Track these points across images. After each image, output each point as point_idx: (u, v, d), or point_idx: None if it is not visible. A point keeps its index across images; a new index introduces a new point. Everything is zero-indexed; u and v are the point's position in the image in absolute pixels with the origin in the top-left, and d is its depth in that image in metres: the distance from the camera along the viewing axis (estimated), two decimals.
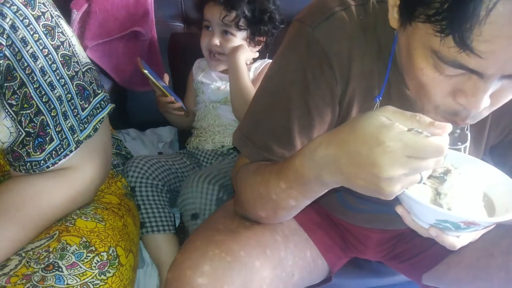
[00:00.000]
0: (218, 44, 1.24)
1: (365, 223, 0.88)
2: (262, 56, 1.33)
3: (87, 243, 0.72)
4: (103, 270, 0.71)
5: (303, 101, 0.64)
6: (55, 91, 0.71)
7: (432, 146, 0.45)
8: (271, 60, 1.28)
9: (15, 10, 0.66)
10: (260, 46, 1.31)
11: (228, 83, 1.28)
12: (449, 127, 0.46)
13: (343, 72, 0.63)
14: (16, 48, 0.67)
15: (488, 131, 0.73)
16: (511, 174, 0.79)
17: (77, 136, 0.74)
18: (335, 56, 0.62)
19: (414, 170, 0.46)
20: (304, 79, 0.63)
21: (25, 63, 0.68)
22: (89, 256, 0.70)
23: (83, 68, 0.76)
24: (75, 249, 0.70)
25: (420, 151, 0.45)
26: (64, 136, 0.73)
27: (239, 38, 1.25)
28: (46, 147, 0.72)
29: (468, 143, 0.68)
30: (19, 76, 0.68)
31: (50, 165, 0.73)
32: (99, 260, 0.71)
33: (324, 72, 0.63)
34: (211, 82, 1.31)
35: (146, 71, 1.19)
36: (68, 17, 1.30)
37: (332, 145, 0.51)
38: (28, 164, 0.72)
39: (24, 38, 0.67)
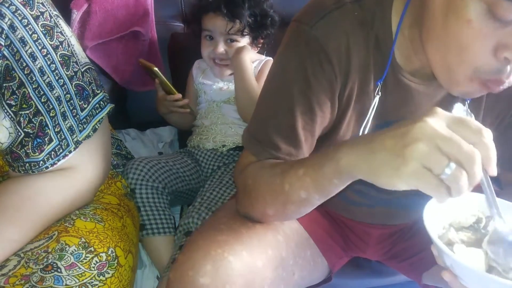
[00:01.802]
0: (224, 52, 1.25)
1: (366, 218, 0.88)
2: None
3: (86, 244, 0.71)
4: (102, 271, 0.70)
5: (305, 98, 0.66)
6: (54, 91, 0.71)
7: (480, 128, 0.45)
8: (268, 58, 1.30)
9: (14, 10, 0.66)
10: (259, 48, 1.32)
11: (230, 84, 1.29)
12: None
13: (342, 67, 0.65)
14: (14, 48, 0.67)
15: (483, 117, 0.74)
16: (506, 164, 0.79)
17: (76, 136, 0.74)
18: (333, 52, 0.64)
19: (447, 142, 0.45)
20: (305, 76, 0.65)
21: (24, 63, 0.68)
22: (88, 256, 0.70)
23: (82, 68, 0.76)
24: (74, 249, 0.70)
25: (465, 124, 0.46)
26: (63, 137, 0.73)
27: (242, 43, 1.26)
28: (45, 147, 0.72)
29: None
30: (18, 76, 0.68)
31: (49, 166, 0.73)
32: (98, 261, 0.71)
33: (324, 68, 0.64)
34: (212, 83, 1.31)
35: (156, 69, 1.20)
36: (68, 17, 1.30)
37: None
38: (27, 164, 0.72)
39: (23, 38, 0.67)
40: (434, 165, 0.45)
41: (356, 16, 0.64)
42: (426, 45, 0.61)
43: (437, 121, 0.46)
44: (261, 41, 1.30)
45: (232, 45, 1.24)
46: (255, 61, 1.30)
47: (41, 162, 0.72)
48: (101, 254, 0.72)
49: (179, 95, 1.25)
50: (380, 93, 0.68)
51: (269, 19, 1.26)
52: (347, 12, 0.64)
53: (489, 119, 0.74)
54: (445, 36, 0.56)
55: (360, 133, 0.71)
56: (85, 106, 0.76)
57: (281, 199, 0.64)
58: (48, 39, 0.70)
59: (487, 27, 0.51)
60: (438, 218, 0.55)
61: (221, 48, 1.24)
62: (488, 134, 0.46)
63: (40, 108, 0.70)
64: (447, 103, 0.72)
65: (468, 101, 0.71)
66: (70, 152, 0.74)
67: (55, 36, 0.71)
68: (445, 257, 0.50)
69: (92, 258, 0.70)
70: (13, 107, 0.70)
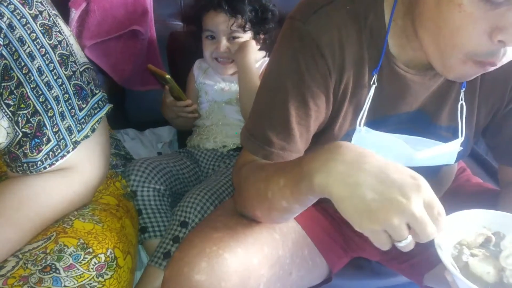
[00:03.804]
0: (227, 50, 1.24)
1: None
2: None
3: (85, 245, 0.71)
4: (101, 272, 0.70)
5: (299, 92, 0.67)
6: (52, 91, 0.71)
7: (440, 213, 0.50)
8: None
9: (12, 9, 0.65)
10: (261, 43, 1.32)
11: (232, 84, 1.28)
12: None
13: (335, 61, 0.66)
14: (13, 48, 0.66)
15: (478, 110, 0.75)
16: (503, 156, 0.80)
17: (75, 136, 0.74)
18: (326, 46, 0.65)
19: (417, 222, 0.49)
20: (299, 70, 0.66)
21: (22, 62, 0.67)
22: (86, 257, 0.70)
23: (80, 68, 0.76)
24: (73, 250, 0.69)
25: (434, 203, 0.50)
26: (61, 137, 0.72)
27: (245, 38, 1.25)
28: (43, 147, 0.71)
29: (464, 115, 0.72)
30: (16, 75, 0.68)
31: (47, 166, 0.73)
32: (96, 262, 0.70)
33: (317, 62, 0.65)
34: (214, 83, 1.31)
35: (169, 76, 1.19)
36: (66, 16, 1.29)
37: (356, 149, 0.53)
38: (25, 165, 0.72)
39: (21, 37, 0.66)
40: (396, 237, 0.50)
41: (348, 10, 0.65)
42: (420, 31, 0.61)
43: (418, 201, 0.49)
44: (263, 36, 1.30)
45: (235, 42, 1.24)
46: (259, 61, 1.30)
47: (39, 163, 0.72)
48: (99, 255, 0.71)
49: (189, 101, 1.25)
50: (376, 83, 0.69)
51: (270, 13, 1.27)
52: (339, 6, 0.65)
53: (484, 111, 0.76)
54: (438, 20, 0.57)
55: (357, 126, 0.72)
56: (84, 106, 0.75)
57: (266, 205, 0.65)
58: (46, 39, 0.70)
59: (478, 10, 0.52)
60: (447, 241, 0.56)
61: (224, 46, 1.24)
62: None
63: (38, 108, 0.70)
64: (443, 92, 0.73)
65: (464, 88, 0.72)
66: (68, 152, 0.74)
67: (54, 36, 0.71)
68: (460, 284, 0.50)
69: (91, 259, 0.70)
70: (11, 107, 0.69)
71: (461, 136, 0.73)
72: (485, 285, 0.51)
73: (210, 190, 1.03)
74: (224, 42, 1.24)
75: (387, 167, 0.50)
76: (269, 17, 1.27)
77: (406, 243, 0.50)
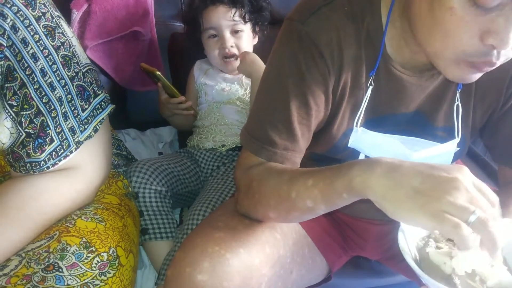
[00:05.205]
0: (233, 45, 1.24)
1: (364, 213, 0.89)
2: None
3: (87, 244, 0.71)
4: (104, 271, 0.71)
5: (300, 92, 0.67)
6: (55, 92, 0.71)
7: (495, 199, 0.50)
8: None
9: (16, 10, 0.66)
10: (257, 37, 1.33)
11: (232, 85, 1.29)
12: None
13: (334, 61, 0.67)
14: (16, 49, 0.67)
15: (474, 110, 0.75)
16: (501, 157, 0.81)
17: (77, 137, 0.74)
18: (325, 47, 0.65)
19: (474, 199, 0.49)
20: (299, 71, 0.66)
21: (26, 63, 0.68)
22: (89, 256, 0.70)
23: (83, 69, 0.76)
24: (75, 249, 0.70)
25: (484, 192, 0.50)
26: (64, 137, 0.73)
27: (246, 31, 1.26)
28: (46, 148, 0.72)
29: (460, 116, 0.73)
30: (20, 76, 0.68)
31: (50, 166, 0.73)
32: (99, 261, 0.71)
33: (317, 62, 0.66)
34: (215, 84, 1.31)
35: (159, 73, 1.19)
36: (68, 17, 1.30)
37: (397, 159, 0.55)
38: (28, 164, 0.72)
39: (24, 38, 0.67)
40: (459, 212, 0.48)
41: (346, 11, 0.66)
42: (416, 33, 0.62)
43: (465, 178, 0.50)
44: (259, 28, 1.31)
45: (239, 36, 1.24)
46: None
47: (42, 162, 0.72)
48: (102, 254, 0.72)
49: (183, 98, 1.25)
50: (373, 84, 0.69)
51: (264, 2, 1.29)
52: (337, 7, 0.66)
53: (480, 112, 0.76)
54: (431, 23, 0.57)
55: (354, 126, 0.72)
56: (86, 106, 0.76)
57: (286, 205, 0.64)
58: (49, 40, 0.70)
59: (469, 14, 0.52)
60: (416, 233, 0.58)
61: (229, 41, 1.23)
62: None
63: (41, 109, 0.70)
64: (439, 93, 0.73)
65: (460, 89, 0.72)
66: (71, 152, 0.74)
67: (57, 37, 0.72)
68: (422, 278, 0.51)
69: (94, 258, 0.71)
70: (15, 108, 0.70)
71: (457, 136, 0.74)
72: (445, 277, 0.52)
73: (217, 200, 1.04)
74: (228, 36, 1.23)
75: (426, 163, 0.52)
76: (264, 5, 1.29)
77: (476, 216, 0.47)
